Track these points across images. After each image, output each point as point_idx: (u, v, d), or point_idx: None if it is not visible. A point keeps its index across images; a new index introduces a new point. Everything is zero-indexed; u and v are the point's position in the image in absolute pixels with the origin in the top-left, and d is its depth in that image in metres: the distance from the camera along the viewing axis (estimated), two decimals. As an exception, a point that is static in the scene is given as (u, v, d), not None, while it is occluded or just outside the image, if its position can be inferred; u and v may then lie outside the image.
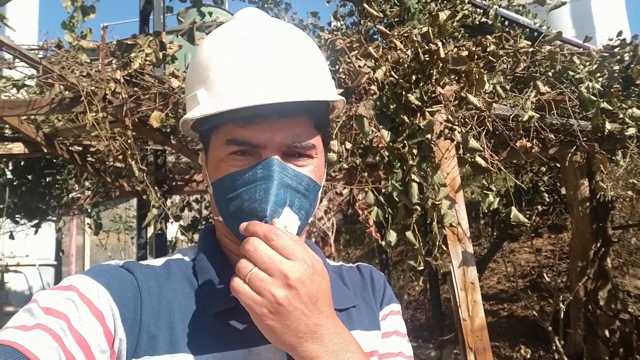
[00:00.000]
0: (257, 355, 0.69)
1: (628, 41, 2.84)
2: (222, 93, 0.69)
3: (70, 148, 3.49)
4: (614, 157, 2.56)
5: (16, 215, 4.36)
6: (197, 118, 0.71)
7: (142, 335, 0.65)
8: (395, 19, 2.68)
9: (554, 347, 4.15)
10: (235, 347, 0.68)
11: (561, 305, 4.27)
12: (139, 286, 0.69)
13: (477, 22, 5.55)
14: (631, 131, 2.27)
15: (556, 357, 4.23)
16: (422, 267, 2.00)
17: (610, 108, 2.23)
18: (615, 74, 2.58)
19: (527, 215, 7.28)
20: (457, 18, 2.30)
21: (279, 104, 0.68)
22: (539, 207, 7.23)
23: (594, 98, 2.21)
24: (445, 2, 5.16)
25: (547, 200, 6.80)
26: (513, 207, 2.08)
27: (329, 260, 0.92)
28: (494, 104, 2.48)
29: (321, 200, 7.84)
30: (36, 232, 4.70)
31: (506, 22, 6.38)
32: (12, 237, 4.62)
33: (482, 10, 5.47)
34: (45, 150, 3.23)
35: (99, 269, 0.70)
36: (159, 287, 0.70)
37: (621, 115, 2.31)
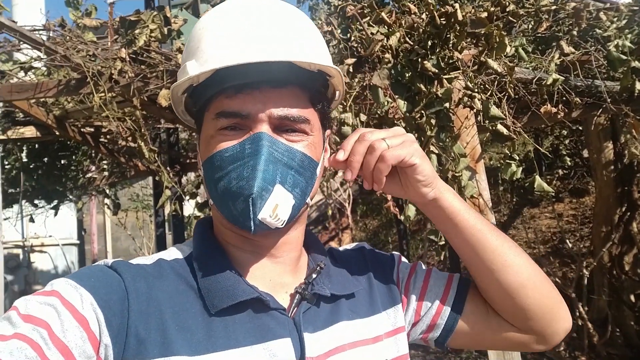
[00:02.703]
0: (267, 350, 0.66)
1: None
2: (209, 60, 0.68)
3: (82, 130, 3.47)
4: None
5: (34, 199, 4.40)
6: (186, 86, 0.72)
7: (130, 339, 0.62)
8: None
9: (578, 314, 4.10)
10: (242, 344, 0.65)
11: (584, 271, 4.19)
12: (126, 288, 0.65)
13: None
14: (663, 91, 2.15)
15: (580, 324, 4.18)
16: (443, 242, 1.94)
17: (642, 67, 2.10)
18: (645, 30, 2.43)
19: (548, 180, 7.13)
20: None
21: (269, 72, 0.66)
22: (560, 171, 7.06)
23: (624, 57, 2.08)
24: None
25: (569, 163, 6.63)
26: (537, 176, 1.99)
27: (334, 245, 0.89)
28: (516, 68, 2.36)
29: (336, 172, 7.78)
30: (56, 213, 4.74)
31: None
32: (32, 220, 4.68)
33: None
34: (57, 133, 3.21)
35: (84, 271, 0.67)
36: (148, 288, 0.67)
37: (652, 74, 2.18)
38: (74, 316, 0.59)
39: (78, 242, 9.97)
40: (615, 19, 2.43)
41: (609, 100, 2.49)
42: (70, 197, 4.85)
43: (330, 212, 9.66)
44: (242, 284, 0.69)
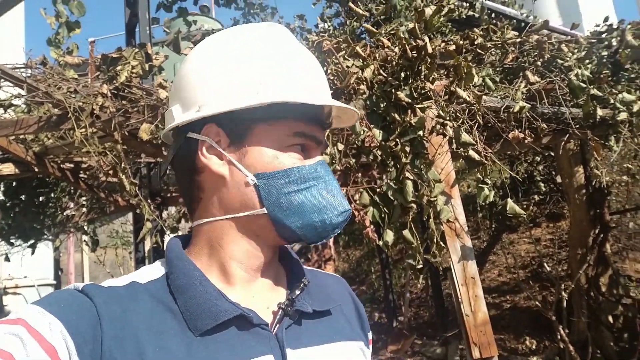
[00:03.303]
0: None
1: (615, 26, 2.84)
2: (309, 89, 0.75)
3: (61, 166, 3.46)
4: (607, 143, 2.56)
5: (11, 237, 4.31)
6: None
7: None
8: (382, 17, 2.67)
9: (559, 337, 4.14)
10: None
11: (563, 293, 4.26)
12: (98, 313, 0.63)
13: (464, 16, 5.56)
14: (623, 116, 2.27)
15: (561, 346, 4.21)
16: (421, 266, 1.98)
17: (600, 94, 2.23)
18: (604, 60, 2.58)
19: (524, 206, 7.27)
20: (443, 13, 2.29)
21: (324, 113, 0.79)
22: (536, 197, 7.23)
23: (584, 85, 2.21)
24: (430, -3, 5.17)
25: (544, 189, 6.81)
26: (509, 199, 2.07)
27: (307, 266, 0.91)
28: (484, 97, 2.48)
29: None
30: (33, 252, 4.65)
31: (493, 15, 6.39)
32: (7, 259, 4.58)
33: (468, 4, 5.49)
34: (36, 170, 3.20)
35: (53, 297, 0.65)
36: (122, 311, 0.65)
37: (612, 101, 2.31)
38: (41, 345, 0.57)
39: (54, 282, 9.67)
40: (575, 50, 2.58)
41: (575, 126, 2.62)
42: (48, 235, 4.77)
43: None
44: (223, 303, 0.69)
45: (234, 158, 0.73)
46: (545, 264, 4.89)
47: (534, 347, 5.07)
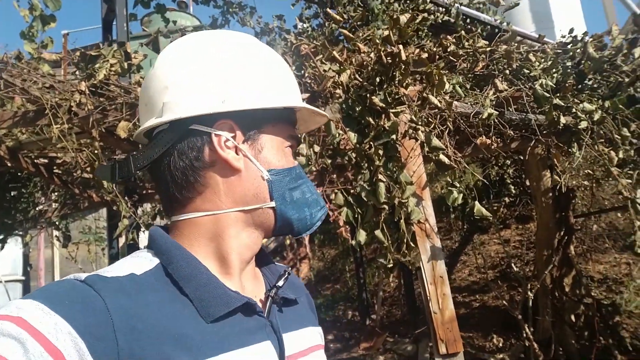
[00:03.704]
0: (256, 351, 0.70)
1: (579, 38, 2.97)
2: (299, 99, 0.84)
3: (35, 161, 3.43)
4: (570, 149, 2.69)
5: (-20, 232, 4.24)
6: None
7: None
8: (359, 22, 2.75)
9: (524, 335, 4.29)
10: (232, 348, 0.67)
11: (529, 293, 4.41)
12: (107, 306, 0.59)
13: (440, 21, 5.68)
14: (583, 124, 2.40)
15: (527, 344, 4.37)
16: (391, 265, 2.06)
17: (563, 104, 2.35)
18: (569, 70, 2.71)
19: (495, 207, 7.48)
20: (417, 21, 2.38)
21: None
22: (506, 199, 7.43)
23: (547, 95, 2.32)
24: (408, 1, 5.27)
25: (514, 192, 7.00)
26: (476, 202, 2.17)
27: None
28: (456, 102, 2.57)
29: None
30: (2, 247, 4.56)
31: (468, 20, 6.54)
32: (-23, 254, 4.49)
33: (444, 9, 5.61)
34: (9, 165, 3.16)
35: (54, 291, 0.59)
36: (132, 303, 0.62)
37: (574, 110, 2.43)
38: (46, 349, 0.52)
39: (23, 278, 9.47)
40: (542, 60, 2.70)
41: (543, 132, 2.74)
42: (19, 230, 4.70)
43: (288, 242, 9.68)
44: (230, 291, 0.71)
45: (251, 154, 0.77)
46: (512, 265, 5.05)
47: (500, 344, 5.23)
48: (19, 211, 4.24)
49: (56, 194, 4.63)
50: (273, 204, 0.78)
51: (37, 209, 4.42)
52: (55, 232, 5.25)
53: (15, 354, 0.50)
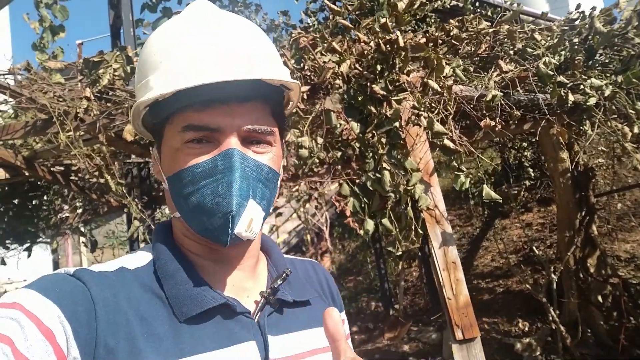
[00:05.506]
0: (233, 353, 0.68)
1: (587, 13, 2.89)
2: (176, 75, 0.68)
3: (51, 169, 3.51)
4: (582, 128, 2.62)
5: (6, 241, 4.37)
6: (152, 101, 0.70)
7: (99, 350, 0.61)
8: (359, 12, 2.72)
9: (550, 318, 4.23)
10: (209, 349, 0.66)
11: (553, 276, 4.34)
12: (92, 297, 0.63)
13: (448, 6, 5.60)
14: (592, 101, 2.33)
15: (553, 327, 4.30)
16: (400, 253, 2.05)
17: (566, 81, 2.29)
18: (576, 47, 2.64)
19: (516, 191, 7.37)
20: (415, 7, 2.34)
21: (235, 87, 0.68)
22: (527, 182, 7.31)
23: (551, 73, 2.27)
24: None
25: (533, 174, 6.88)
26: (484, 186, 2.14)
27: (286, 255, 0.93)
28: (461, 86, 2.53)
29: (310, 197, 7.88)
30: (29, 255, 4.70)
31: (477, 4, 6.42)
32: (3, 262, 4.64)
33: (452, -7, 5.52)
34: (27, 174, 3.25)
35: (47, 281, 0.64)
36: (114, 297, 0.65)
37: (582, 86, 2.37)
38: (39, 329, 0.57)
39: (54, 284, 9.73)
40: (548, 38, 2.64)
41: (556, 111, 2.68)
42: (44, 237, 4.83)
43: (308, 237, 9.72)
44: (209, 291, 0.70)
45: (158, 161, 0.76)
46: (534, 248, 4.97)
47: (526, 329, 5.17)
48: (41, 219, 4.36)
49: (76, 200, 4.74)
50: (178, 214, 0.73)
51: (58, 216, 4.53)
52: (82, 238, 5.38)
53: (14, 333, 0.55)
